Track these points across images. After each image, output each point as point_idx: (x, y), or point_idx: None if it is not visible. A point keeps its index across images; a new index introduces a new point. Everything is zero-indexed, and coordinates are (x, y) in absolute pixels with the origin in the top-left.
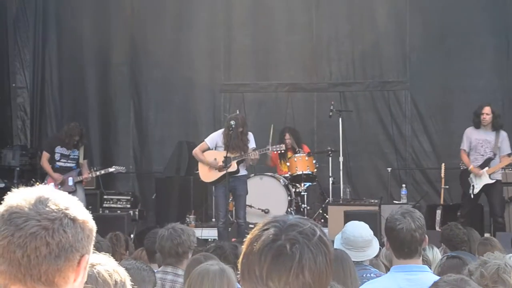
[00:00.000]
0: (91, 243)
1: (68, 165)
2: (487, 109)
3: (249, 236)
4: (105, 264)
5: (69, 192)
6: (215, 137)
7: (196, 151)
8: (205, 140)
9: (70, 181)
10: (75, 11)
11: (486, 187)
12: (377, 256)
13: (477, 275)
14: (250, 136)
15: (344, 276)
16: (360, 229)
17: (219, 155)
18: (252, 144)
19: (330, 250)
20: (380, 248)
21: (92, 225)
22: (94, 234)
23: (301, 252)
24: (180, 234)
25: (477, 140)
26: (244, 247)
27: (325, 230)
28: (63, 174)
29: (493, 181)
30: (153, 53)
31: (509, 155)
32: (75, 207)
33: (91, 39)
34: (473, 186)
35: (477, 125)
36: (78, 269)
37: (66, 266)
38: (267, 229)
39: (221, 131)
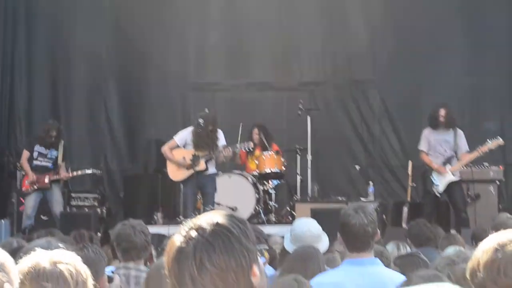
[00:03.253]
0: None
1: (44, 164)
2: (443, 111)
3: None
4: (68, 263)
5: (45, 189)
6: (185, 135)
7: (165, 149)
8: (174, 137)
9: (46, 179)
10: (44, 12)
11: (447, 185)
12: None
13: (445, 275)
14: (220, 133)
15: (312, 273)
16: (308, 225)
17: (187, 154)
18: (222, 141)
19: (235, 231)
20: None
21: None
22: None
23: (195, 245)
24: (145, 226)
25: (436, 140)
26: None
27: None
28: (40, 173)
29: (458, 179)
30: (124, 52)
31: (467, 153)
32: None
33: (60, 40)
34: (437, 185)
35: (435, 126)
36: None
37: None
38: (170, 241)
39: (190, 128)
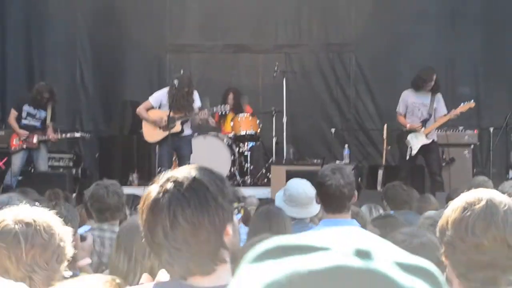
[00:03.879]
0: None
1: (33, 123)
2: (434, 76)
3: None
4: (30, 222)
5: (32, 149)
6: (160, 96)
7: (140, 109)
8: (149, 98)
9: (35, 139)
10: None
11: (422, 148)
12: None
13: None
14: (196, 95)
15: (284, 231)
16: (303, 186)
17: (164, 115)
18: (197, 103)
19: (211, 189)
20: None
21: None
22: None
23: (170, 199)
24: (119, 187)
25: (413, 104)
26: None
27: (268, 189)
28: (28, 132)
29: (430, 141)
30: (100, 13)
31: (445, 115)
32: None
33: (34, 3)
34: (410, 148)
35: (418, 88)
36: None
37: None
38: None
39: (166, 89)
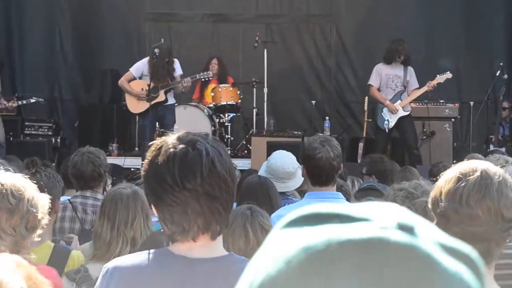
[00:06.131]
0: None
1: None
2: (406, 48)
3: (147, 157)
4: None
5: None
6: (141, 66)
7: (122, 81)
8: (130, 69)
9: None
10: None
11: (397, 122)
12: None
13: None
14: (176, 63)
15: (271, 203)
16: (284, 160)
17: (146, 85)
18: (178, 71)
19: (225, 147)
20: None
21: None
22: None
23: (205, 147)
24: (98, 155)
25: (388, 76)
26: (145, 168)
27: (248, 161)
28: None
29: (407, 113)
30: None
31: (417, 89)
32: None
33: None
34: (387, 120)
35: (391, 60)
36: None
37: None
38: (161, 146)
39: (146, 59)
